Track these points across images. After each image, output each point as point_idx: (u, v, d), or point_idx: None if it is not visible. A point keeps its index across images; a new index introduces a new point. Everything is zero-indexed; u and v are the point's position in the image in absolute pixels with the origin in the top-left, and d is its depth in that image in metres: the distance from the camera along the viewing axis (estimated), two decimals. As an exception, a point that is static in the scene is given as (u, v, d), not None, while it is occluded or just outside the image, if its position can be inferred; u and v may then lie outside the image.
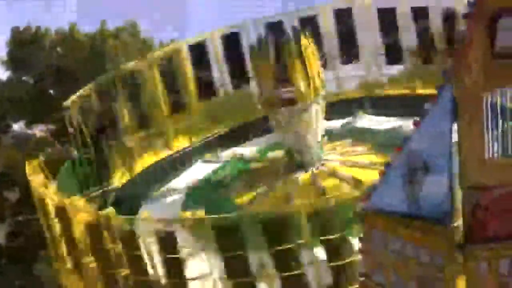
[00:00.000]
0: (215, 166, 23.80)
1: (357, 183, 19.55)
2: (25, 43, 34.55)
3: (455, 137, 9.69)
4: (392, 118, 23.33)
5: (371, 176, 18.99)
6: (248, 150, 24.31)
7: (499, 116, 9.45)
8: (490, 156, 9.48)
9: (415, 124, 10.05)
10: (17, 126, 35.62)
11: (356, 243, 15.90)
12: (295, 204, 18.56)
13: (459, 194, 9.78)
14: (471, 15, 9.22)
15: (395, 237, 10.52)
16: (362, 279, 11.17)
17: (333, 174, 20.75)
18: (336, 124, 24.18)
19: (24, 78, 35.20)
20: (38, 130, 33.94)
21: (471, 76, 9.33)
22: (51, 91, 34.29)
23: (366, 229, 10.97)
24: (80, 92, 22.70)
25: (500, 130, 9.48)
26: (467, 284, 9.75)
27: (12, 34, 34.91)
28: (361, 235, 10.99)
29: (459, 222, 9.81)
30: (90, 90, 22.82)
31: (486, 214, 9.61)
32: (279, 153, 22.41)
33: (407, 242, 10.31)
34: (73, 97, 22.56)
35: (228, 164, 23.70)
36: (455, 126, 9.64)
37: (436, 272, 9.93)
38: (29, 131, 35.08)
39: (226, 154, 24.41)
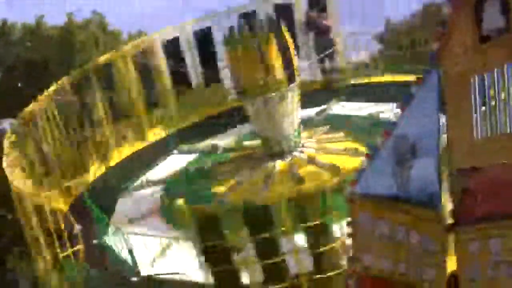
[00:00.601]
0: (191, 157, 23.76)
1: (335, 169, 19.57)
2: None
3: (442, 120, 9.70)
4: (366, 104, 23.36)
5: (348, 163, 19.54)
6: (223, 140, 24.25)
7: (486, 98, 9.51)
8: (478, 138, 9.47)
9: (401, 108, 10.11)
10: (-14, 121, 35.21)
11: (335, 229, 16.31)
12: (274, 192, 18.75)
13: (447, 176, 9.80)
14: None
15: (384, 221, 10.52)
16: (350, 263, 11.24)
17: (310, 161, 20.68)
18: (311, 112, 24.09)
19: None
20: (8, 124, 33.51)
21: (458, 59, 9.34)
22: (20, 84, 33.99)
23: (354, 213, 10.99)
24: (54, 85, 22.49)
25: (487, 112, 9.54)
26: (458, 265, 9.77)
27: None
28: (349, 219, 11.03)
29: (448, 203, 9.86)
30: (63, 83, 22.64)
31: (475, 195, 9.66)
32: (255, 142, 22.33)
33: (396, 225, 10.30)
34: (48, 90, 22.33)
35: (204, 154, 23.69)
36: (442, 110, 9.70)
37: (427, 254, 9.96)
38: (-1, 127, 34.73)
39: (202, 145, 24.30)
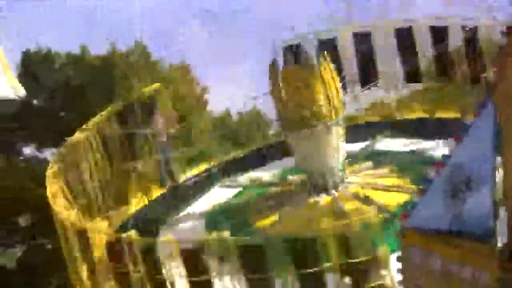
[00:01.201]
0: (233, 191, 23.64)
1: (380, 205, 19.43)
2: (35, 65, 34.61)
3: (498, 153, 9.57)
4: (411, 141, 23.23)
5: (393, 199, 19.33)
6: (266, 174, 24.14)
7: None
8: None
9: (456, 138, 10.00)
10: (28, 150, 35.52)
11: (381, 265, 16.11)
12: (320, 227, 18.60)
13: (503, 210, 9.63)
14: None
15: (436, 255, 10.38)
16: None
17: (355, 197, 20.55)
18: (355, 147, 23.92)
19: (34, 101, 35.21)
20: (50, 154, 33.83)
21: None
22: (62, 114, 34.30)
23: (405, 247, 10.85)
24: (98, 115, 22.71)
25: None
26: None
27: (22, 57, 34.94)
28: (400, 255, 10.89)
29: (504, 238, 9.66)
30: (108, 113, 22.84)
31: None
32: (299, 176, 22.21)
33: (449, 260, 10.14)
34: (92, 120, 22.54)
35: (246, 188, 23.54)
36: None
37: None
38: (40, 155, 35.04)
39: (244, 178, 24.25)
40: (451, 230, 10.06)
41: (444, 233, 10.15)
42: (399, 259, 10.83)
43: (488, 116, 9.53)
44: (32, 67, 34.39)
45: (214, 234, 16.69)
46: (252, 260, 16.20)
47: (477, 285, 9.75)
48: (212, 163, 25.04)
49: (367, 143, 24.55)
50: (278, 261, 16.23)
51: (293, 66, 20.85)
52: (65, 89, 33.82)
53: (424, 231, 10.49)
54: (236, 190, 23.65)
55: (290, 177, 22.90)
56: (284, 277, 16.25)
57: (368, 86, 25.04)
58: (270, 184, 23.30)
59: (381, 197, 20.08)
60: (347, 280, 16.27)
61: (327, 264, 16.01)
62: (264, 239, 17.01)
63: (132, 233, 17.51)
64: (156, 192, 23.71)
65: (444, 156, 10.24)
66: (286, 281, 16.31)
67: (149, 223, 21.77)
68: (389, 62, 24.69)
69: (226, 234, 16.43)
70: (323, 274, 16.06)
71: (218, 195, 23.63)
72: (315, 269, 15.91)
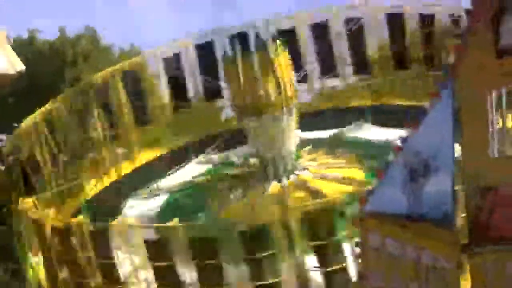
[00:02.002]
0: (206, 167, 24.70)
1: (324, 196, 20.02)
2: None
3: (457, 136, 9.77)
4: (393, 129, 23.38)
5: (340, 190, 20.16)
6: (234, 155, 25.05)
7: (503, 114, 9.56)
8: (494, 155, 9.57)
9: (414, 122, 10.15)
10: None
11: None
12: (260, 214, 19.74)
13: (461, 194, 9.87)
14: (474, 12, 9.30)
15: (394, 240, 10.59)
16: (359, 282, 11.40)
17: (303, 186, 21.37)
18: (327, 133, 24.62)
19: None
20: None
21: (474, 74, 9.41)
22: (10, 99, 34.12)
23: (364, 232, 11.04)
24: (48, 104, 22.85)
25: (504, 128, 9.56)
26: (472, 286, 9.83)
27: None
28: (359, 240, 11.08)
29: (462, 222, 9.89)
30: (58, 102, 23.07)
31: (491, 214, 9.67)
32: (254, 162, 23.01)
33: (407, 244, 10.36)
34: (41, 109, 22.81)
35: (217, 167, 24.57)
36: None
37: (440, 274, 10.01)
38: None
39: (220, 156, 25.09)
40: (409, 215, 10.28)
41: (403, 218, 10.37)
42: (357, 244, 11.03)
43: (447, 99, 9.71)
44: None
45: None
46: (202, 248, 17.11)
47: (436, 269, 10.01)
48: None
49: (337, 130, 25.02)
50: (228, 247, 17.11)
51: (247, 52, 21.44)
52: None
53: (383, 216, 10.72)
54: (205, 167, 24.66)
55: (251, 161, 23.59)
56: (234, 263, 17.09)
57: (327, 76, 25.63)
58: (234, 165, 24.28)
59: (328, 188, 20.77)
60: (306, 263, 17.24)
61: (274, 251, 17.03)
62: (211, 226, 18.38)
63: (82, 218, 17.95)
64: (112, 178, 24.15)
65: (402, 140, 10.41)
66: (236, 267, 17.16)
67: (103, 208, 22.13)
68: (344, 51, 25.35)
69: (175, 222, 17.32)
70: (272, 260, 17.08)
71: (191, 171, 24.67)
72: (264, 255, 16.92)
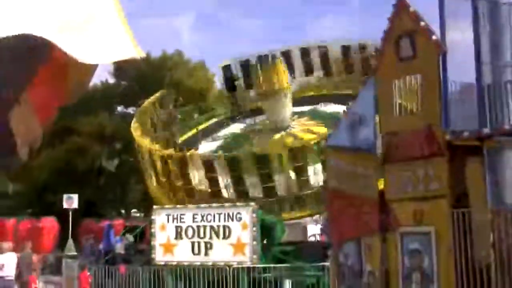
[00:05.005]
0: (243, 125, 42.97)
1: (303, 140, 33.79)
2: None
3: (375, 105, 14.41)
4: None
5: (311, 137, 34.52)
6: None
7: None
8: (396, 115, 14.11)
9: (354, 99, 16.38)
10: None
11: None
12: (271, 149, 34.30)
13: (379, 136, 14.30)
14: (385, 37, 14.37)
15: (343, 161, 15.34)
16: (324, 185, 17.64)
17: (293, 135, 35.21)
18: (306, 108, 38.86)
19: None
20: None
21: (386, 71, 14.33)
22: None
23: (327, 158, 16.96)
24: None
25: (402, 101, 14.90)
26: (384, 185, 14.11)
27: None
28: (325, 161, 17.38)
29: (380, 151, 14.31)
30: None
31: (395, 147, 14.03)
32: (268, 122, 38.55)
33: (350, 163, 15.03)
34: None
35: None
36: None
37: (366, 178, 14.49)
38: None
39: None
40: (351, 147, 14.82)
41: (347, 148, 14.93)
42: (323, 163, 17.22)
43: (370, 85, 14.91)
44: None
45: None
46: (233, 166, 31.44)
47: (366, 176, 14.48)
48: None
49: (312, 107, 39.25)
50: (247, 166, 31.76)
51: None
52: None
53: (336, 147, 15.55)
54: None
55: (266, 122, 38.67)
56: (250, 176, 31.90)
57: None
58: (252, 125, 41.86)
59: (306, 136, 34.68)
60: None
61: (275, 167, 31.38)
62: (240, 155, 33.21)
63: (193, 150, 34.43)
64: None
65: (347, 108, 16.59)
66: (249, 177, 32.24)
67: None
68: None
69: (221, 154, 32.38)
70: (274, 173, 31.30)
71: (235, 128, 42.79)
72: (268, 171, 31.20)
